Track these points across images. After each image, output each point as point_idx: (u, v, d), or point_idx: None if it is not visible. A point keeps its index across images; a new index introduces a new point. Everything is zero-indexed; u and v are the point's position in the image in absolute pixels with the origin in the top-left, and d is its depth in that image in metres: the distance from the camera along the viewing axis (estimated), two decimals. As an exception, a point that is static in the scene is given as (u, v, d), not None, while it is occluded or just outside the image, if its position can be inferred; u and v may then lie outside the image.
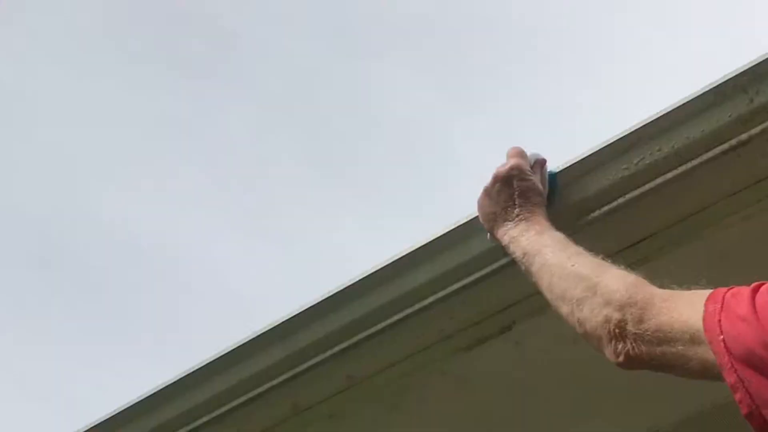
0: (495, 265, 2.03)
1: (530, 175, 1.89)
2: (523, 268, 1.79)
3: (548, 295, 1.69)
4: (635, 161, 1.91)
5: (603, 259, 1.66)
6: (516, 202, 1.85)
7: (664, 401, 2.21)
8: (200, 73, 9.14)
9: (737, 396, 1.27)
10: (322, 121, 9.18)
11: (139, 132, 9.20)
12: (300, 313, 2.19)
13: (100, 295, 9.57)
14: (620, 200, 1.91)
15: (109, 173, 9.21)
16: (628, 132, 1.93)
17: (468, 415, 2.27)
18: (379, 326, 2.13)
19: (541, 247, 1.75)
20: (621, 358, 1.47)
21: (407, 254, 2.11)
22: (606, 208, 1.91)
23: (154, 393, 2.31)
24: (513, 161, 1.90)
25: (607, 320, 1.49)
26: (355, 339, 2.15)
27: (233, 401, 2.24)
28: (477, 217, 2.04)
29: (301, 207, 9.30)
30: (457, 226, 2.06)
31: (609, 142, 1.93)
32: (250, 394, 2.23)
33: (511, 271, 1.93)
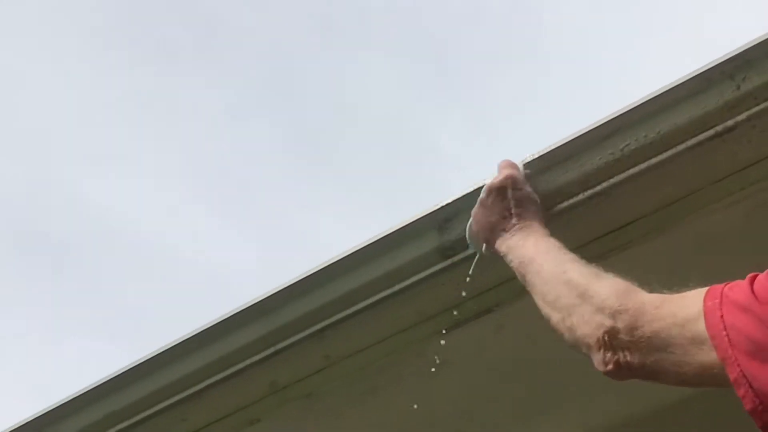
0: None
1: (524, 185, 1.88)
2: (519, 276, 1.77)
3: (541, 304, 1.66)
4: (621, 146, 1.89)
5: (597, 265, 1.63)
6: (512, 212, 1.84)
7: (645, 387, 2.20)
8: (181, 57, 9.11)
9: (740, 392, 1.24)
10: (302, 109, 9.18)
11: (118, 114, 9.17)
12: (279, 291, 2.16)
13: (75, 276, 9.55)
14: (605, 184, 1.89)
15: (87, 155, 9.18)
16: (614, 116, 1.91)
17: (445, 398, 2.26)
18: (358, 306, 2.11)
19: (536, 255, 1.72)
20: (610, 367, 1.44)
21: (387, 235, 2.09)
22: (591, 192, 1.90)
23: (130, 369, 2.28)
24: (506, 172, 1.89)
25: (598, 327, 1.46)
26: (333, 319, 2.13)
27: (211, 378, 2.22)
28: (458, 199, 2.03)
29: (278, 192, 9.30)
30: (439, 208, 2.05)
31: (594, 126, 1.91)
32: (228, 371, 2.21)
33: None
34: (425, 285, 2.06)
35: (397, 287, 2.08)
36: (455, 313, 2.09)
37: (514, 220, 1.83)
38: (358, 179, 9.35)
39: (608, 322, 1.44)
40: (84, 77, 8.97)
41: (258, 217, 9.45)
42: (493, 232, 1.86)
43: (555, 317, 1.60)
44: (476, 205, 1.92)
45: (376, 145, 9.27)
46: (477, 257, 1.96)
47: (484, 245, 1.90)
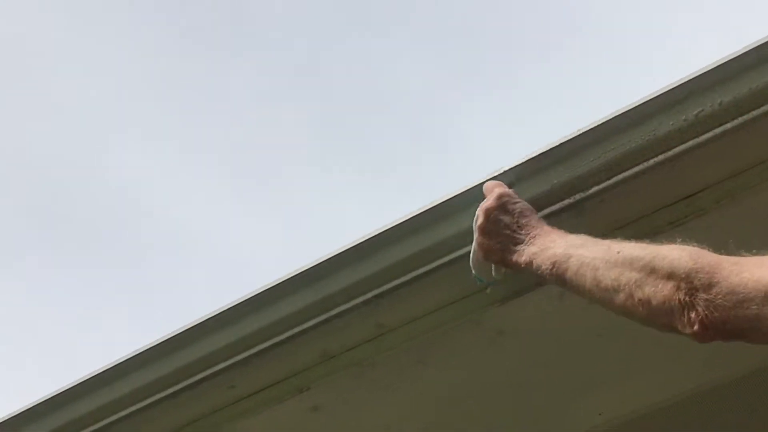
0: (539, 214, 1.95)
1: (518, 198, 1.85)
2: (554, 279, 1.69)
3: (595, 292, 1.59)
4: (694, 112, 1.83)
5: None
6: (519, 223, 1.80)
7: (712, 356, 2.14)
8: (209, 37, 9.05)
9: None
10: (327, 92, 9.11)
11: (146, 95, 9.15)
12: (332, 258, 2.11)
13: (100, 251, 9.57)
14: (677, 150, 1.82)
15: (113, 131, 9.16)
16: (687, 80, 1.84)
17: (499, 370, 2.20)
18: (414, 274, 2.06)
19: (571, 250, 1.66)
20: (696, 327, 1.38)
21: (445, 201, 2.03)
22: (662, 157, 1.83)
23: (179, 335, 2.24)
24: (496, 191, 1.86)
25: (676, 290, 1.41)
26: (387, 286, 2.08)
27: (260, 345, 2.17)
28: (521, 164, 1.97)
29: (303, 175, 9.27)
30: (500, 173, 1.99)
31: (667, 90, 1.84)
32: (278, 339, 2.16)
33: (556, 221, 1.86)
34: (483, 253, 2.00)
35: (455, 254, 2.02)
36: (514, 281, 2.03)
37: (524, 231, 1.78)
38: (382, 164, 9.30)
39: (685, 283, 1.40)
40: (114, 57, 8.94)
41: (282, 200, 9.42)
42: (504, 252, 1.80)
43: (619, 298, 1.53)
44: (476, 235, 1.87)
45: (402, 130, 9.20)
46: (490, 286, 1.94)
47: (494, 269, 1.87)
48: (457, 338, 2.14)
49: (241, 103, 9.22)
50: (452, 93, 8.84)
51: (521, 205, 1.83)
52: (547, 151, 1.94)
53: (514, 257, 1.78)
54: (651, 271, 1.48)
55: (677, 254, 1.45)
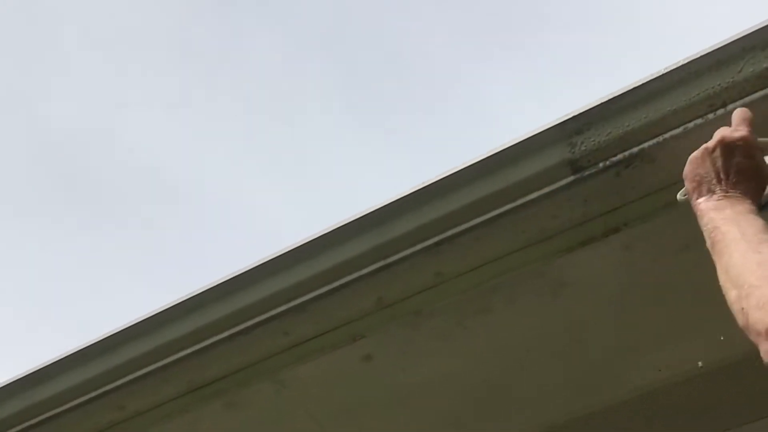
0: (609, 161, 1.90)
1: (757, 153, 1.69)
2: (708, 242, 1.63)
3: (722, 275, 1.54)
4: (765, 52, 1.77)
5: None
6: (730, 178, 1.67)
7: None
8: (236, 3, 9.00)
9: None
10: (354, 60, 9.04)
11: (168, 58, 9.10)
12: (392, 202, 2.07)
13: (123, 219, 9.59)
14: (755, 96, 1.76)
15: (136, 98, 9.14)
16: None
17: (560, 322, 2.15)
18: (477, 221, 2.01)
19: (733, 226, 1.58)
20: None
21: (512, 145, 1.98)
22: (740, 102, 1.77)
23: (231, 279, 2.21)
24: (742, 132, 1.70)
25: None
26: (448, 233, 2.03)
27: (314, 291, 2.14)
28: (590, 109, 1.92)
29: (326, 142, 9.22)
30: (569, 119, 1.93)
31: (747, 32, 1.78)
32: (333, 285, 2.12)
33: (641, 168, 1.82)
34: (550, 200, 1.96)
35: (519, 201, 1.97)
36: (580, 231, 1.98)
37: (723, 186, 1.67)
38: (407, 129, 9.24)
39: None
40: (136, 21, 8.91)
41: (304, 167, 9.39)
42: (699, 185, 1.70)
43: (733, 294, 1.48)
44: (700, 151, 1.73)
45: (425, 97, 9.13)
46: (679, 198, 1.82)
47: (685, 193, 1.76)
48: (518, 289, 2.09)
49: (263, 68, 9.18)
50: (476, 58, 8.76)
51: (751, 163, 1.67)
52: (619, 95, 1.89)
53: (698, 200, 1.69)
54: (764, 284, 1.41)
55: None
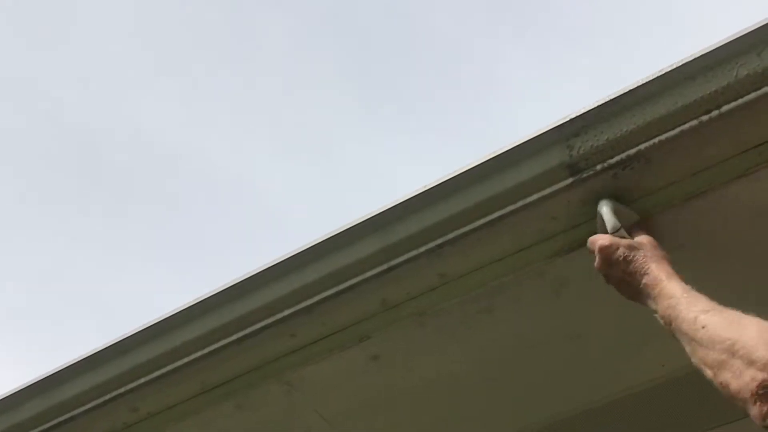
0: (606, 163, 1.94)
1: (615, 251, 1.83)
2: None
3: (693, 360, 1.60)
4: (758, 53, 1.80)
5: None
6: (628, 271, 1.81)
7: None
8: None
9: None
10: (366, 39, 9.06)
11: (182, 41, 9.14)
12: (395, 206, 2.11)
13: (140, 206, 9.65)
14: (751, 96, 1.79)
15: (150, 85, 9.18)
16: (761, 26, 1.81)
17: (562, 320, 2.19)
18: (477, 223, 2.05)
19: (671, 313, 1.67)
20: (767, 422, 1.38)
21: (511, 149, 2.02)
22: (734, 104, 1.80)
23: (239, 283, 2.25)
24: (598, 258, 1.86)
25: (751, 381, 1.40)
26: (450, 236, 2.08)
27: (321, 293, 2.18)
28: (587, 112, 1.95)
29: (340, 126, 9.24)
30: (567, 121, 1.97)
31: (741, 34, 1.81)
32: (339, 287, 2.16)
33: (638, 170, 1.85)
34: (549, 202, 2.00)
35: (519, 203, 2.01)
36: (579, 231, 2.02)
37: (635, 281, 1.80)
38: (420, 113, 9.26)
39: (761, 375, 1.39)
40: (152, 5, 8.96)
41: (319, 150, 9.43)
42: (633, 294, 1.84)
43: (708, 374, 1.53)
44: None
45: (440, 77, 9.14)
46: None
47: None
48: (520, 289, 2.13)
49: (278, 52, 9.20)
50: (489, 39, 8.77)
51: (622, 256, 1.82)
52: (616, 98, 1.92)
53: (643, 300, 1.80)
54: (730, 356, 1.46)
55: (754, 342, 1.43)
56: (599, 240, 1.87)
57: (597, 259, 1.87)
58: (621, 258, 1.82)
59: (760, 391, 1.38)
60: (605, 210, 1.93)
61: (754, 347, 1.42)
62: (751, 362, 1.41)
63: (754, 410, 1.40)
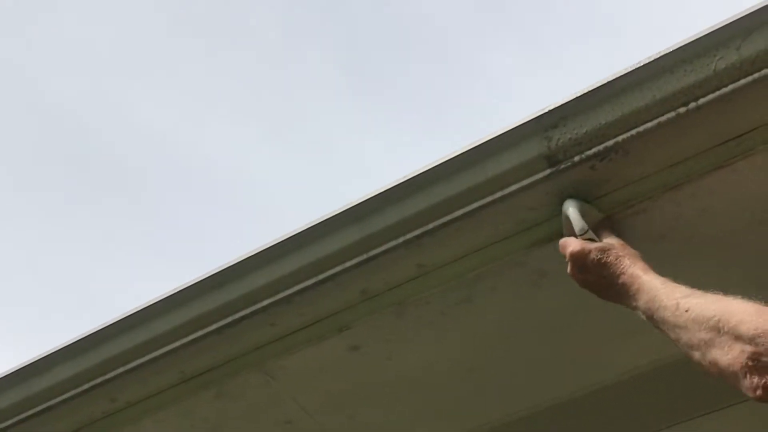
0: (584, 155, 1.94)
1: (587, 256, 1.83)
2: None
3: (679, 347, 1.61)
4: (736, 46, 1.81)
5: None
6: (603, 275, 1.81)
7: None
8: None
9: None
10: (355, 29, 9.04)
11: (172, 34, 9.11)
12: (374, 196, 2.11)
13: (130, 196, 9.62)
14: (728, 88, 1.80)
15: (141, 75, 9.15)
16: (738, 18, 1.81)
17: (542, 311, 2.20)
18: (456, 214, 2.06)
19: (651, 305, 1.67)
20: (759, 392, 1.40)
21: (489, 140, 2.02)
22: (713, 95, 1.81)
23: (220, 272, 2.25)
24: (567, 252, 1.87)
25: (740, 355, 1.41)
26: (429, 226, 2.08)
27: (301, 284, 2.18)
28: (565, 103, 1.96)
29: (328, 116, 9.23)
30: (545, 113, 1.97)
31: (723, 25, 1.82)
32: (319, 277, 2.17)
33: (616, 161, 1.86)
34: (527, 193, 2.00)
35: (498, 194, 2.02)
36: (557, 222, 2.03)
37: (612, 283, 1.80)
38: (410, 101, 9.26)
39: (749, 348, 1.40)
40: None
41: (307, 141, 9.42)
42: (611, 297, 1.84)
43: (696, 356, 1.54)
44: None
45: (429, 67, 9.14)
46: None
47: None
48: (498, 279, 2.13)
49: (268, 42, 9.19)
50: (479, 29, 8.77)
51: (594, 255, 1.82)
52: (594, 89, 1.92)
53: (622, 299, 1.79)
54: (717, 333, 1.48)
55: (740, 317, 1.45)
56: (569, 246, 1.88)
57: (569, 266, 1.87)
58: (594, 262, 1.82)
59: (750, 363, 1.40)
60: (571, 211, 1.94)
61: (740, 321, 1.44)
62: (738, 336, 1.43)
63: (746, 383, 1.41)
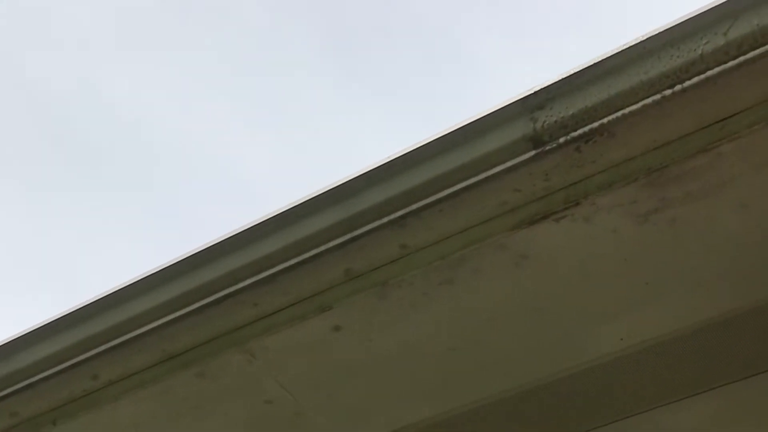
0: (569, 136, 1.94)
1: None
2: None
3: None
4: (731, 33, 1.80)
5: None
6: None
7: (734, 286, 2.15)
8: None
9: None
10: (340, 12, 9.00)
11: (152, 8, 9.04)
12: (358, 176, 2.10)
13: (108, 174, 9.57)
14: (714, 71, 1.80)
15: (121, 54, 9.08)
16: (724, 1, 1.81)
17: (523, 293, 2.20)
18: (440, 195, 2.05)
19: None
20: None
21: (474, 121, 2.01)
22: (698, 78, 1.81)
23: (202, 251, 2.24)
24: None
25: None
26: (413, 207, 2.07)
27: (284, 263, 2.18)
28: (552, 84, 1.95)
29: (313, 97, 9.20)
30: (531, 93, 1.97)
31: (702, 11, 1.82)
32: (302, 257, 2.16)
33: (601, 143, 1.86)
34: (512, 174, 1.99)
35: (482, 176, 2.01)
36: (541, 204, 2.03)
37: None
38: (393, 86, 9.24)
39: None
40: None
41: (291, 122, 9.39)
42: None
43: None
44: None
45: (414, 50, 9.12)
46: None
47: None
48: (481, 261, 2.13)
49: (252, 23, 9.14)
50: (464, 12, 8.76)
51: None
52: (580, 71, 1.92)
53: None
54: None
55: None
56: None
57: None
58: None
59: None
60: None
61: None
62: None
63: None
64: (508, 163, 1.99)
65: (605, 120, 1.90)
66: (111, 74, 9.14)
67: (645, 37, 1.87)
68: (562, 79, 1.93)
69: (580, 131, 1.92)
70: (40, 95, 9.25)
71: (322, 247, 2.15)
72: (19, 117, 9.32)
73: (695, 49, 1.83)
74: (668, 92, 1.85)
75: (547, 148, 1.96)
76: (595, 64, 1.90)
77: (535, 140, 1.96)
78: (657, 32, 1.87)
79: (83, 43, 9.03)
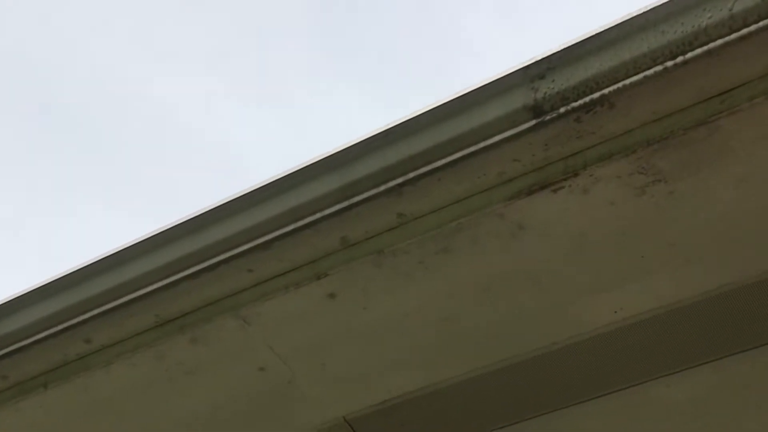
0: (569, 107, 1.93)
1: None
2: None
3: None
4: (729, 5, 1.79)
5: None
6: None
7: (729, 259, 2.15)
8: None
9: None
10: None
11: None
12: (356, 144, 2.09)
13: (97, 147, 9.52)
14: (716, 43, 1.79)
15: (111, 27, 9.01)
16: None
17: (518, 264, 2.20)
18: (438, 163, 2.04)
19: None
20: None
21: (474, 89, 2.00)
22: (700, 50, 1.80)
23: (200, 215, 2.23)
24: None
25: None
26: (410, 175, 2.07)
27: (280, 230, 2.17)
28: (552, 54, 1.94)
29: (297, 71, 9.16)
30: (532, 63, 1.96)
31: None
32: (298, 224, 2.15)
33: (601, 114, 1.85)
34: (511, 144, 1.99)
35: (481, 144, 2.00)
36: (540, 174, 2.02)
37: None
38: (383, 60, 9.20)
39: None
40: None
41: (275, 95, 9.34)
42: None
43: None
44: None
45: (402, 26, 9.08)
46: None
47: None
48: (478, 230, 2.13)
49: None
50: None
51: None
52: (582, 41, 1.91)
53: None
54: None
55: None
56: None
57: None
58: None
59: None
60: None
61: None
62: None
63: None
64: (508, 133, 1.98)
65: (606, 90, 1.89)
66: (95, 45, 9.08)
67: (647, 8, 1.86)
68: (564, 48, 1.92)
69: (580, 101, 1.91)
70: (32, 66, 9.18)
71: (319, 215, 2.14)
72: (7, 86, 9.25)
73: (698, 21, 1.81)
74: (669, 64, 1.84)
75: (547, 118, 1.95)
76: (597, 35, 1.89)
77: (536, 110, 1.95)
78: (659, 3, 1.85)
79: (68, 15, 8.96)
